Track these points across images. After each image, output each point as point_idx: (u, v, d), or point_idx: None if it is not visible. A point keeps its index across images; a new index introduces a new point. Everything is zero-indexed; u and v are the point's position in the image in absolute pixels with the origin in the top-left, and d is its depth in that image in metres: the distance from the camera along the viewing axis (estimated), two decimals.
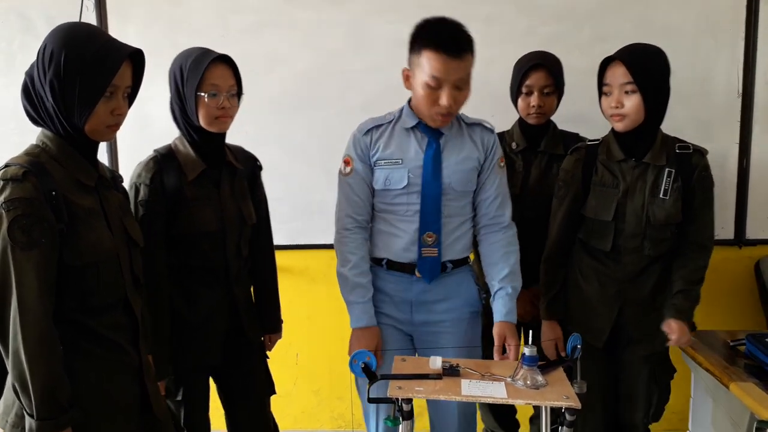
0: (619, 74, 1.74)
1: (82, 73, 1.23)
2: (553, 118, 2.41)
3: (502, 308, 1.73)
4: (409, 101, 1.79)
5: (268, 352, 1.99)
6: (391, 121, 1.80)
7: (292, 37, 2.54)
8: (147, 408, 1.43)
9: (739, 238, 2.51)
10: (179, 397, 1.74)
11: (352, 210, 1.79)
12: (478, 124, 1.83)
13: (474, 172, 1.79)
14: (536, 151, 2.10)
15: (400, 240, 1.77)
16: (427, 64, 1.63)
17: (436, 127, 1.75)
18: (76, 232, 1.24)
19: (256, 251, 1.87)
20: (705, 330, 1.99)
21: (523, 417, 2.43)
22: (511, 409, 2.33)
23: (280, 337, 2.00)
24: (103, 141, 1.36)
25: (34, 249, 1.18)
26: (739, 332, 1.95)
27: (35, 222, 1.18)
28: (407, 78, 1.74)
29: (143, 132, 2.58)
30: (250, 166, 1.87)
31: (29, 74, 1.29)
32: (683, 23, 2.42)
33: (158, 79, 2.50)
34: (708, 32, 2.42)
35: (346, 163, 1.80)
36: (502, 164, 1.84)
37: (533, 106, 2.02)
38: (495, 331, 1.72)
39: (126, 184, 1.60)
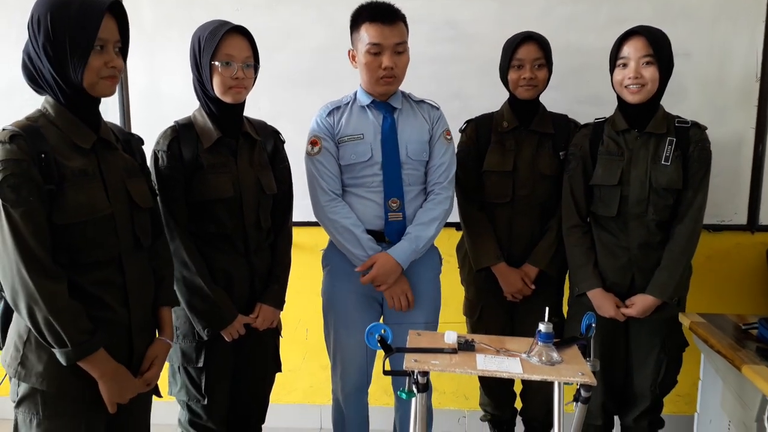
0: (639, 47, 1.86)
1: (70, 31, 1.30)
2: (569, 99, 2.40)
3: (396, 246, 1.93)
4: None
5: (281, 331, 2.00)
6: (348, 103, 2.00)
7: (307, 13, 2.52)
8: (133, 369, 1.48)
9: (752, 224, 2.49)
10: (200, 364, 1.77)
11: (327, 185, 1.96)
12: (424, 102, 2.06)
13: (426, 143, 2.00)
14: (527, 130, 2.12)
15: (369, 208, 1.96)
16: (367, 35, 1.86)
17: (382, 93, 1.94)
18: (63, 192, 1.32)
19: (273, 222, 1.89)
20: (715, 313, 2.00)
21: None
22: (508, 389, 2.36)
23: (274, 314, 1.88)
24: (104, 95, 1.40)
25: (23, 206, 1.26)
26: (750, 317, 1.96)
27: (24, 182, 1.27)
28: (353, 57, 1.95)
29: (156, 105, 2.59)
30: (272, 139, 1.91)
31: (25, 51, 1.36)
32: (702, 5, 2.39)
33: (171, 53, 2.53)
34: (727, 15, 2.38)
35: (314, 143, 1.97)
36: (448, 137, 2.04)
37: (524, 78, 2.04)
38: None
39: (148, 153, 1.66)
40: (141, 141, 1.62)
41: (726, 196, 2.47)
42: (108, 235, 1.40)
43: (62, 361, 1.32)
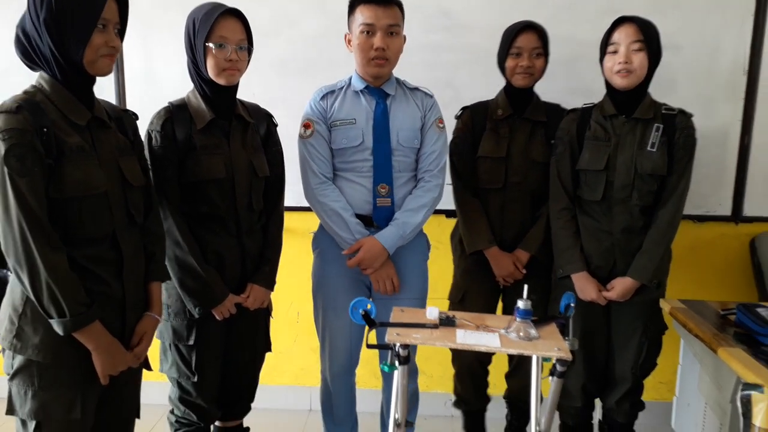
0: (630, 33, 1.91)
1: (75, 7, 1.32)
2: (560, 89, 2.43)
3: (384, 231, 1.96)
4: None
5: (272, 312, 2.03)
6: (342, 87, 2.03)
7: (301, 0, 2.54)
8: (124, 343, 1.51)
9: (737, 215, 2.53)
10: (191, 342, 1.80)
11: (318, 168, 1.98)
12: (418, 89, 2.08)
13: (418, 131, 2.02)
14: (521, 118, 2.16)
15: (358, 192, 1.99)
16: (360, 16, 1.90)
17: (374, 75, 1.96)
18: (61, 168, 1.33)
19: (265, 205, 1.92)
20: (697, 300, 2.04)
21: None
22: (482, 381, 2.41)
23: (265, 294, 1.92)
24: (101, 74, 1.42)
25: (28, 176, 1.28)
26: (730, 304, 2.00)
27: (28, 152, 1.29)
28: (349, 42, 1.99)
29: (151, 87, 2.61)
30: (265, 122, 1.93)
31: (20, 26, 1.37)
32: None
33: (166, 36, 2.55)
34: (717, 7, 2.42)
35: (306, 126, 2.00)
36: (441, 125, 2.06)
37: (522, 66, 2.07)
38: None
39: (142, 131, 1.69)
40: (134, 116, 1.64)
41: (711, 188, 2.51)
42: (103, 211, 1.42)
43: (59, 331, 1.34)
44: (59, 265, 1.32)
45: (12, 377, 1.40)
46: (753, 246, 2.51)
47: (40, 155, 1.30)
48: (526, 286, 1.42)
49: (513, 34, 2.08)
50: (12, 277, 1.42)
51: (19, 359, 1.39)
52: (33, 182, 1.29)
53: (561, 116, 2.17)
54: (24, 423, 1.41)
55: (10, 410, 1.41)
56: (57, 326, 1.34)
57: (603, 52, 1.98)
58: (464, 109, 2.24)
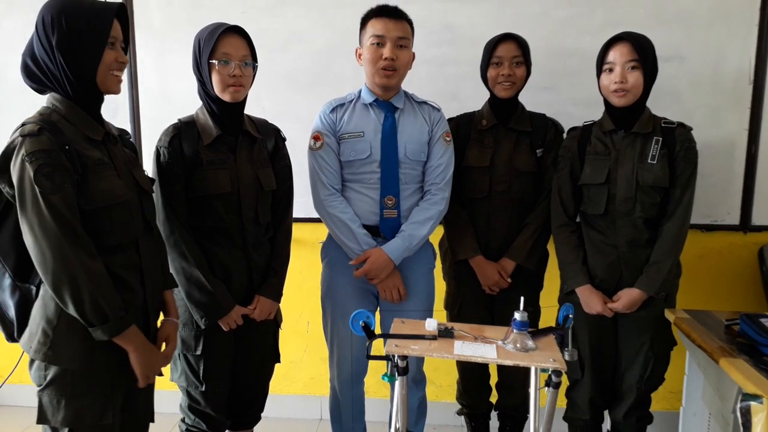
0: (624, 52, 1.91)
1: (86, 27, 1.40)
2: (565, 100, 2.46)
3: (390, 243, 2.01)
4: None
5: (281, 323, 2.07)
6: (352, 100, 2.08)
7: (310, 15, 2.60)
8: None
9: (745, 224, 2.53)
10: (198, 352, 1.85)
11: (327, 179, 2.03)
12: (426, 103, 2.13)
13: (425, 144, 2.07)
14: (506, 128, 2.20)
15: (366, 204, 2.04)
16: (371, 28, 1.96)
17: (383, 86, 2.00)
18: (87, 180, 1.40)
19: (272, 218, 1.96)
20: (702, 309, 2.04)
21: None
22: (485, 389, 2.45)
23: (272, 306, 1.95)
24: (111, 92, 1.48)
25: (60, 192, 1.33)
26: (738, 313, 1.99)
27: (56, 170, 1.34)
28: (359, 56, 2.04)
29: (165, 104, 2.68)
30: (273, 137, 1.98)
31: (28, 53, 1.43)
32: (697, 9, 2.43)
33: (179, 54, 2.63)
34: (721, 18, 2.43)
35: (316, 138, 2.04)
36: (448, 138, 2.10)
37: (503, 75, 2.11)
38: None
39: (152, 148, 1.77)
40: (129, 135, 1.71)
41: (719, 197, 2.51)
42: (127, 219, 1.49)
43: (102, 336, 1.39)
44: (99, 271, 1.38)
45: (44, 387, 1.44)
46: (762, 255, 2.50)
47: (69, 171, 1.36)
48: (522, 298, 1.44)
49: (493, 44, 2.13)
50: (42, 292, 1.46)
51: (53, 369, 1.43)
52: (65, 197, 1.35)
53: (546, 125, 2.21)
54: (55, 431, 1.46)
55: (42, 419, 1.45)
56: (100, 332, 1.39)
57: (599, 69, 2.00)
58: (449, 120, 2.26)
